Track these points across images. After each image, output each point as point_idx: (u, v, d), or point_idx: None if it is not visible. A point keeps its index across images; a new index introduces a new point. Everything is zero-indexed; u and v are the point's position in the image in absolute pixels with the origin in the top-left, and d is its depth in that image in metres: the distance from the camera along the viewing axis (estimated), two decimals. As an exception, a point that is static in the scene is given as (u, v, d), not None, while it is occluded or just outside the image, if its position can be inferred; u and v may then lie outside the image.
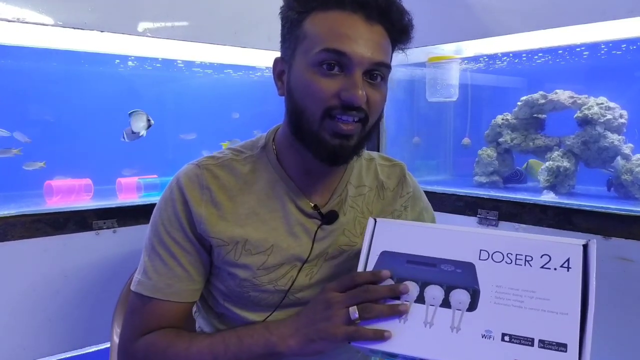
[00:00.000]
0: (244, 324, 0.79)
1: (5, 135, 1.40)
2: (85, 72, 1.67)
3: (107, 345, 1.14)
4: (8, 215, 1.13)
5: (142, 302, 0.78)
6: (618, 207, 1.20)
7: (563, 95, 1.60)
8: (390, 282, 0.69)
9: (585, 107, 1.54)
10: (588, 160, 1.58)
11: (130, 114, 1.49)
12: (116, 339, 1.01)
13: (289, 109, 0.76)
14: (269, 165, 0.81)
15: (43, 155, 1.49)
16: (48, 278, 1.19)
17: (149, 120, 1.50)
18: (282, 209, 0.80)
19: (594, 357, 0.59)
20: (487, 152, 1.77)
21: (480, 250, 0.68)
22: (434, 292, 0.67)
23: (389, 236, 0.73)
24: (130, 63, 1.68)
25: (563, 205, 1.27)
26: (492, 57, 1.78)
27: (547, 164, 1.60)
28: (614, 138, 1.49)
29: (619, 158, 1.49)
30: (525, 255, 0.67)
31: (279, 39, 0.78)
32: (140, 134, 1.50)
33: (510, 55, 1.73)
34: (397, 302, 0.67)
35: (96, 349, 1.28)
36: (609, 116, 1.50)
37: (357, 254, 0.73)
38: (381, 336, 0.64)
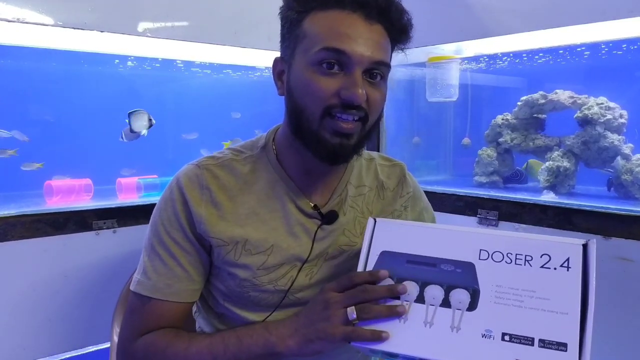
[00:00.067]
0: (244, 324, 0.79)
1: (6, 136, 1.40)
2: (85, 72, 1.67)
3: (107, 345, 1.14)
4: (8, 215, 1.13)
5: (141, 302, 0.78)
6: (618, 207, 1.20)
7: (563, 95, 1.60)
8: (389, 282, 0.69)
9: (585, 107, 1.54)
10: (588, 160, 1.58)
11: (130, 114, 1.48)
12: (116, 339, 1.01)
13: (289, 109, 0.76)
14: (269, 165, 0.81)
15: (43, 155, 1.49)
16: (48, 278, 1.19)
17: (150, 120, 1.50)
18: (282, 209, 0.80)
19: (594, 356, 0.59)
20: (487, 152, 1.77)
21: (480, 250, 0.68)
22: (434, 292, 0.67)
23: (388, 236, 0.73)
24: (129, 63, 1.68)
25: (563, 205, 1.27)
26: (492, 57, 1.78)
27: (547, 164, 1.60)
28: (614, 138, 1.49)
29: (619, 158, 1.49)
30: (525, 255, 0.66)
31: (279, 39, 0.78)
32: (142, 133, 1.50)
33: (511, 55, 1.72)
34: (396, 302, 0.67)
35: (96, 349, 1.28)
36: (609, 116, 1.50)
37: (357, 254, 0.73)
38: (379, 337, 0.64)
